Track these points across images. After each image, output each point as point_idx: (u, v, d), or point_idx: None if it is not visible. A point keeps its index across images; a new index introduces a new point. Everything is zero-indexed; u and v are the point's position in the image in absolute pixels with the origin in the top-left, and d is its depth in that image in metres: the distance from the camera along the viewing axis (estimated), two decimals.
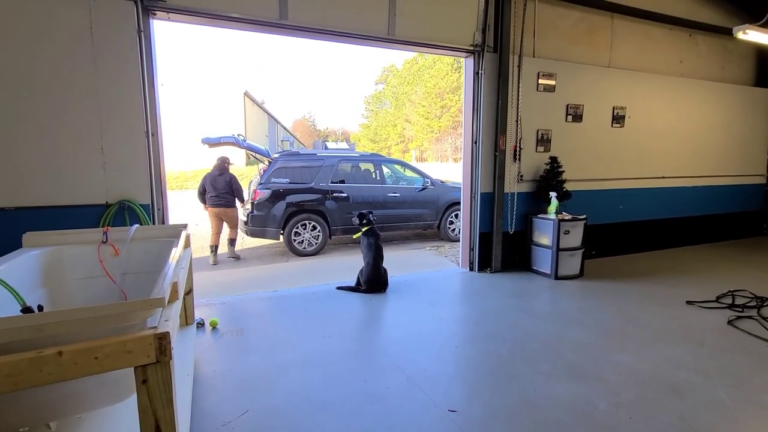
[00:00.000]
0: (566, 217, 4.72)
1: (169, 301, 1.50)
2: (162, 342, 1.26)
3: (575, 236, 4.75)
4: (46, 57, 3.07)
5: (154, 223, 3.47)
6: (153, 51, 3.44)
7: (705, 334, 3.25)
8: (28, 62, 3.03)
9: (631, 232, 5.93)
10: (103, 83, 3.24)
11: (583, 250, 4.82)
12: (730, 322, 3.47)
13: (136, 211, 3.37)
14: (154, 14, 3.42)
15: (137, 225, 2.65)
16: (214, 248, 6.21)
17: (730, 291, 4.18)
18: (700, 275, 4.90)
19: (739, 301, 3.95)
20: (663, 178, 6.07)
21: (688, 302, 3.96)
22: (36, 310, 1.91)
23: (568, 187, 5.04)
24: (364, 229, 4.39)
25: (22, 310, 1.86)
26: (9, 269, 2.01)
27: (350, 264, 5.31)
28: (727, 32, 5.31)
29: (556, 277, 4.69)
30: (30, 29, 3.01)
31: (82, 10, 3.13)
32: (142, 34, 3.32)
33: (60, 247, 2.43)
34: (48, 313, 1.20)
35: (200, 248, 7.01)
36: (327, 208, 6.59)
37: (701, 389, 2.48)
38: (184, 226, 2.78)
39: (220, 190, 6.15)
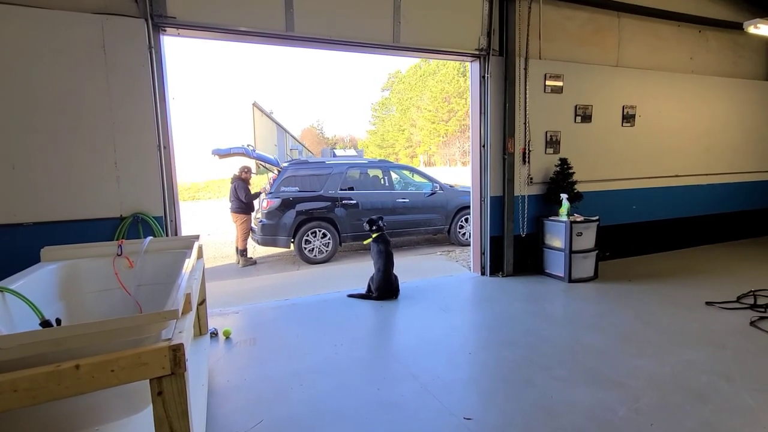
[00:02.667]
0: (578, 219, 4.66)
1: (182, 313, 1.52)
2: (177, 354, 1.27)
3: (588, 238, 4.68)
4: (61, 75, 3.15)
5: (167, 235, 3.52)
6: (164, 66, 3.52)
7: (727, 336, 3.16)
8: (44, 80, 3.11)
9: (645, 233, 5.82)
10: (115, 99, 3.32)
11: (596, 251, 4.74)
12: (752, 323, 3.37)
13: (149, 224, 3.43)
14: (165, 31, 3.50)
15: (151, 237, 2.69)
16: (236, 251, 6.59)
17: (751, 291, 4.07)
18: (719, 275, 4.78)
19: (761, 301, 3.84)
20: (676, 176, 5.96)
21: (708, 303, 3.86)
22: (54, 324, 1.94)
23: (579, 188, 4.98)
24: (374, 236, 4.39)
25: (41, 324, 1.90)
26: (28, 283, 2.06)
27: (361, 271, 5.31)
28: (738, 27, 5.23)
29: (570, 280, 4.62)
30: (46, 49, 3.10)
31: (95, 29, 3.21)
32: (153, 50, 3.39)
33: (76, 261, 2.48)
34: (65, 327, 1.22)
35: (212, 258, 7.09)
36: (336, 215, 6.61)
37: (725, 393, 2.41)
38: (197, 237, 2.81)
39: (230, 197, 6.63)
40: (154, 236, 3.22)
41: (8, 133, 3.05)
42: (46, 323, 1.91)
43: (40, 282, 2.19)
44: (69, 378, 1.15)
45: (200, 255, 2.77)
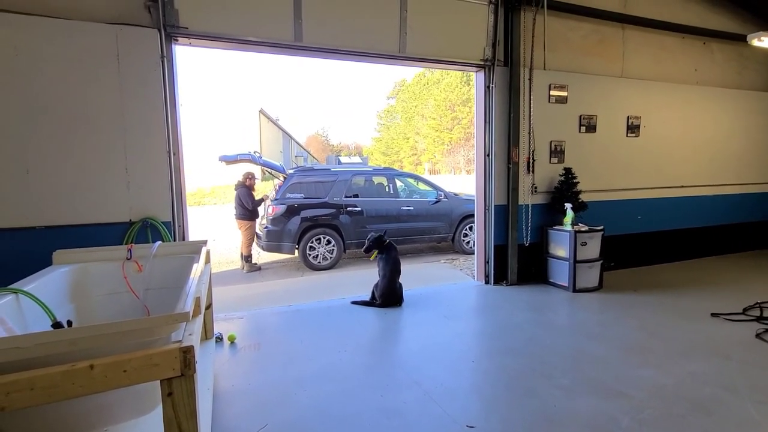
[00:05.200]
0: (583, 229, 4.66)
1: (192, 316, 1.55)
2: (187, 356, 1.30)
3: (593, 248, 4.68)
4: (76, 83, 3.24)
5: (175, 240, 3.57)
6: (175, 74, 3.60)
7: (732, 348, 3.14)
8: (59, 88, 3.20)
9: (650, 243, 5.80)
10: (128, 106, 3.40)
11: (601, 261, 4.74)
12: (758, 336, 3.35)
13: (158, 228, 3.48)
14: (177, 40, 3.59)
15: (160, 242, 2.74)
16: (241, 257, 6.63)
17: (757, 303, 4.04)
18: (725, 287, 4.75)
19: (767, 313, 3.81)
20: (682, 187, 5.96)
21: (713, 315, 3.84)
22: (65, 325, 1.99)
23: (584, 198, 4.99)
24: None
25: (52, 325, 1.94)
26: (41, 286, 2.11)
27: (365, 278, 5.33)
28: (742, 39, 5.26)
29: (574, 290, 4.61)
30: (61, 57, 3.19)
31: (110, 39, 3.30)
32: (165, 59, 3.48)
33: (87, 264, 2.53)
34: (81, 328, 1.26)
35: (216, 263, 7.14)
36: (341, 222, 6.65)
37: (729, 405, 2.40)
38: (204, 242, 2.86)
39: (235, 203, 6.65)
40: (163, 241, 3.28)
41: (23, 139, 3.13)
42: (57, 325, 1.96)
43: (52, 284, 2.24)
44: (83, 377, 1.19)
45: (208, 260, 2.81)
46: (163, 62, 3.46)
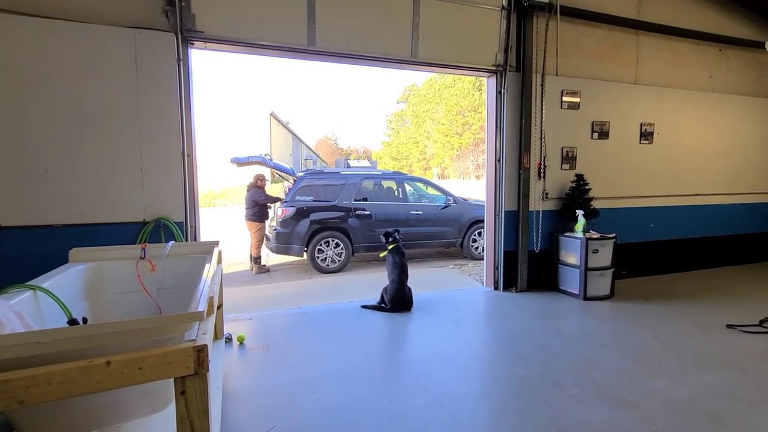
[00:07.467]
0: (594, 236, 4.61)
1: (205, 316, 1.57)
2: (200, 354, 1.31)
3: (604, 255, 4.62)
4: (95, 85, 3.31)
5: (187, 240, 3.61)
6: (190, 78, 3.66)
7: (748, 360, 3.07)
8: (78, 90, 3.27)
9: (663, 252, 5.71)
10: (144, 108, 3.46)
11: (612, 269, 4.67)
12: None
13: (170, 229, 3.53)
14: (193, 44, 3.65)
15: (173, 242, 2.78)
16: (250, 258, 6.68)
17: None
18: (741, 297, 4.65)
19: None
20: (696, 195, 5.87)
21: (729, 326, 3.76)
22: (81, 323, 2.02)
23: (596, 205, 4.94)
24: (390, 247, 4.42)
25: (68, 322, 1.97)
26: (57, 283, 2.15)
27: (373, 281, 5.33)
28: (760, 46, 5.19)
29: (585, 298, 4.55)
30: (82, 60, 3.26)
31: (129, 43, 3.38)
32: (181, 62, 3.54)
33: (101, 263, 2.58)
34: (98, 325, 1.28)
35: (225, 264, 7.20)
36: (350, 225, 6.67)
37: (745, 419, 2.34)
38: (216, 243, 2.89)
39: (246, 205, 6.69)
40: (175, 241, 3.31)
41: (43, 139, 3.21)
42: (72, 321, 1.99)
43: (68, 282, 2.28)
44: (100, 373, 1.21)
45: (220, 260, 2.84)
46: (179, 65, 3.52)
